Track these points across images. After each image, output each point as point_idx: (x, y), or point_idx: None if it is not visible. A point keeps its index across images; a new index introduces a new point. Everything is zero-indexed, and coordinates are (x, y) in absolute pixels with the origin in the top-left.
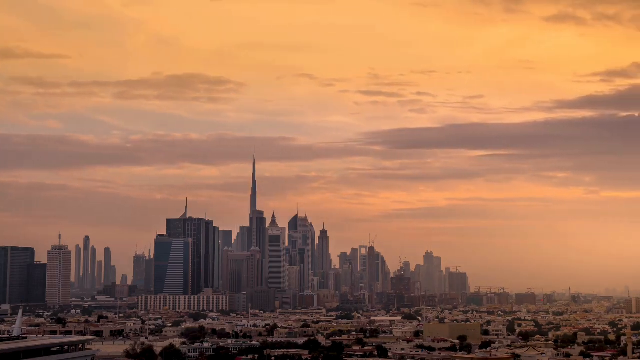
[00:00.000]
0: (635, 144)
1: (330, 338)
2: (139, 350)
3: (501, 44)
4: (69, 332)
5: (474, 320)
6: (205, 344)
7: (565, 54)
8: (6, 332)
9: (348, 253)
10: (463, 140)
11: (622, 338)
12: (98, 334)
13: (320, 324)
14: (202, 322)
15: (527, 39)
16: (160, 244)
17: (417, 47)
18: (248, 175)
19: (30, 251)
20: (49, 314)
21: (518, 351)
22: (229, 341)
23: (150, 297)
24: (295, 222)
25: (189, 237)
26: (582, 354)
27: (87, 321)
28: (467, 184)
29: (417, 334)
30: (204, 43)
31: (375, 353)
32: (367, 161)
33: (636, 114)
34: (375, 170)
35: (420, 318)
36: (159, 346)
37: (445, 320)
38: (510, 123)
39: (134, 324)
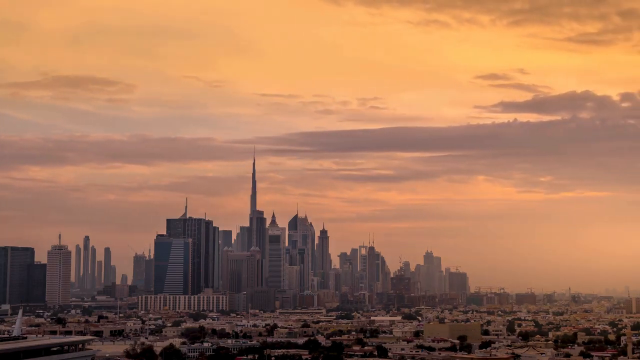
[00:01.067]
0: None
1: (330, 338)
2: (139, 350)
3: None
4: (69, 332)
5: (474, 320)
6: (205, 344)
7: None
8: (6, 332)
9: (348, 253)
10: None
11: (622, 338)
12: (98, 334)
13: (320, 324)
14: (202, 322)
15: None
16: (160, 244)
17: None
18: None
19: (30, 251)
20: (49, 314)
21: (518, 351)
22: (229, 341)
23: (150, 297)
24: (295, 222)
25: (189, 237)
26: (582, 354)
27: (87, 321)
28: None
29: (417, 334)
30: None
31: (375, 353)
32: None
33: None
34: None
35: (420, 318)
36: (159, 346)
37: (445, 320)
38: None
39: (134, 324)
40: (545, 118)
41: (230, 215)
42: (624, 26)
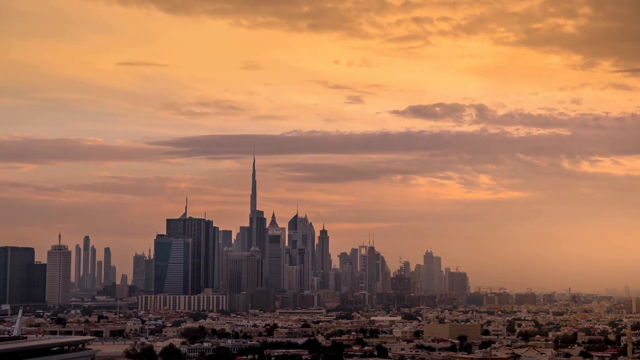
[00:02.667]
0: None
1: (330, 338)
2: (139, 350)
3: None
4: (68, 332)
5: (474, 320)
6: (205, 344)
7: None
8: (6, 332)
9: (348, 253)
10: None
11: (622, 338)
12: (98, 334)
13: (320, 324)
14: (202, 322)
15: None
16: (160, 244)
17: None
18: None
19: (30, 251)
20: (49, 314)
21: (518, 351)
22: (229, 341)
23: (150, 297)
24: (295, 222)
25: (189, 237)
26: (582, 354)
27: (87, 321)
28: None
29: (417, 334)
30: None
31: (375, 353)
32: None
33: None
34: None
35: (420, 318)
36: (159, 346)
37: (445, 320)
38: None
39: (134, 324)
40: None
41: (230, 216)
42: None
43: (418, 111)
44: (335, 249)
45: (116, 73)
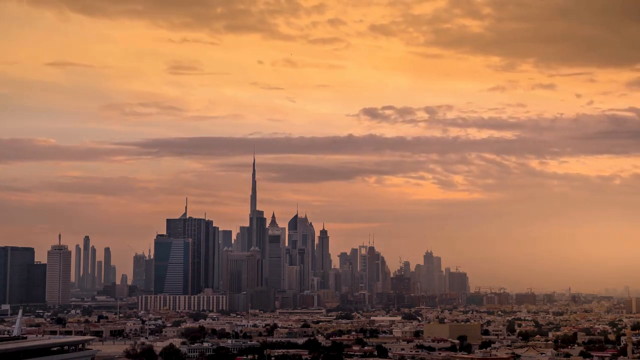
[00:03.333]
0: None
1: (330, 338)
2: (139, 350)
3: None
4: (68, 332)
5: (474, 320)
6: (205, 344)
7: None
8: (6, 332)
9: (348, 253)
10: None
11: (622, 338)
12: (98, 334)
13: (320, 324)
14: (202, 322)
15: None
16: (160, 244)
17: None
18: None
19: (30, 251)
20: (49, 314)
21: (518, 351)
22: (229, 341)
23: (150, 297)
24: (295, 222)
25: (189, 237)
26: (582, 354)
27: (87, 321)
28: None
29: (417, 334)
30: None
31: (375, 353)
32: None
33: None
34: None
35: (420, 318)
36: (159, 346)
37: (445, 320)
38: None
39: (134, 324)
40: None
41: (230, 216)
42: None
43: (371, 113)
44: (336, 249)
45: (45, 73)
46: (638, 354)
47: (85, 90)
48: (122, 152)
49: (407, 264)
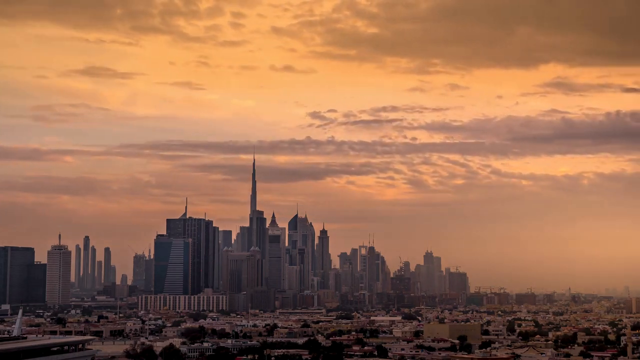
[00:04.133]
0: None
1: (330, 338)
2: (139, 350)
3: None
4: (69, 332)
5: (474, 320)
6: (205, 344)
7: None
8: (6, 332)
9: (348, 253)
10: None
11: (622, 338)
12: (98, 334)
13: (320, 324)
14: (202, 322)
15: None
16: (160, 244)
17: None
18: None
19: (30, 251)
20: (49, 314)
21: (518, 351)
22: (229, 341)
23: (150, 297)
24: (295, 222)
25: (189, 237)
26: (582, 354)
27: (87, 321)
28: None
29: (417, 334)
30: None
31: (375, 353)
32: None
33: None
34: None
35: (420, 318)
36: (159, 346)
37: (445, 320)
38: None
39: (134, 324)
40: None
41: (230, 216)
42: None
43: (317, 117)
44: (336, 249)
45: None
46: (638, 354)
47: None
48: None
49: (407, 264)
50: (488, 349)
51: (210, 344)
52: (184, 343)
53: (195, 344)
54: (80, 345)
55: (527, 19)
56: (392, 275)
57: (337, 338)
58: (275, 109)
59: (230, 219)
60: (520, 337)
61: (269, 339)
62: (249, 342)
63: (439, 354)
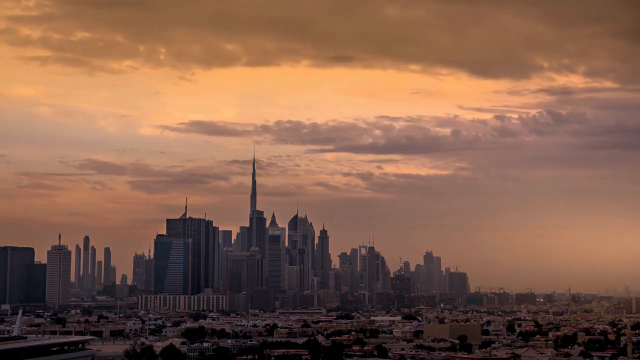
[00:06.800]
0: None
1: (330, 338)
2: (139, 350)
3: None
4: (68, 332)
5: (474, 320)
6: (205, 344)
7: None
8: (6, 332)
9: (348, 253)
10: None
11: (622, 338)
12: (98, 334)
13: (320, 324)
14: (202, 322)
15: None
16: (160, 244)
17: None
18: None
19: (30, 251)
20: (48, 314)
21: (518, 351)
22: (229, 341)
23: (150, 297)
24: (295, 222)
25: (189, 237)
26: (582, 354)
27: (87, 321)
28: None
29: (417, 334)
30: None
31: (375, 353)
32: None
33: None
34: None
35: (420, 318)
36: (159, 346)
37: (445, 320)
38: None
39: (134, 324)
40: None
41: (230, 216)
42: None
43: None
44: (336, 249)
45: None
46: (638, 354)
47: None
48: None
49: (407, 264)
50: (488, 349)
51: (210, 344)
52: (184, 343)
53: (195, 344)
54: (80, 345)
55: None
56: (392, 275)
57: (337, 338)
58: None
59: (230, 219)
60: (520, 337)
61: (269, 339)
62: (249, 342)
63: (439, 354)
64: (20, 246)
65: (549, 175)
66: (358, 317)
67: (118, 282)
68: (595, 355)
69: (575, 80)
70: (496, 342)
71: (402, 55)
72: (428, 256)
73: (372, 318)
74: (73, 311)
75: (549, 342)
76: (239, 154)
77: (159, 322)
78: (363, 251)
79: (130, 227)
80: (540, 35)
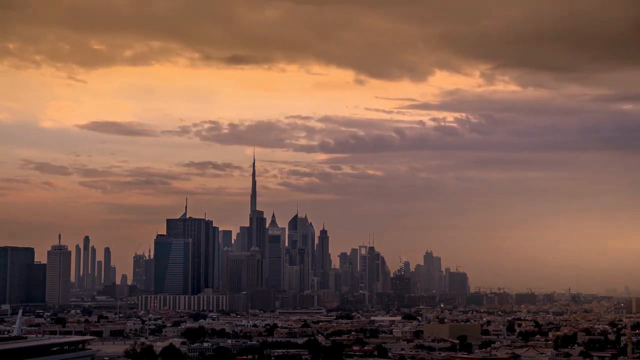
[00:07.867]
0: None
1: (330, 338)
2: (139, 350)
3: None
4: (68, 332)
5: (474, 320)
6: (205, 344)
7: None
8: (6, 332)
9: (348, 253)
10: None
11: (622, 338)
12: (98, 334)
13: (320, 324)
14: (202, 322)
15: None
16: (160, 244)
17: None
18: None
19: (30, 251)
20: (48, 314)
21: (518, 351)
22: (229, 341)
23: (150, 297)
24: (295, 222)
25: (189, 237)
26: (582, 354)
27: (87, 321)
28: None
29: (417, 334)
30: None
31: (375, 353)
32: None
33: None
34: None
35: (420, 318)
36: (159, 346)
37: (445, 320)
38: None
39: (134, 324)
40: None
41: (230, 216)
42: None
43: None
44: (336, 249)
45: None
46: (638, 354)
47: None
48: None
49: (407, 264)
50: (488, 349)
51: (210, 344)
52: (184, 343)
53: (195, 344)
54: (80, 345)
55: None
56: (392, 275)
57: (337, 338)
58: None
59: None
60: (520, 337)
61: (269, 339)
62: (248, 342)
63: (439, 354)
64: (20, 246)
65: (548, 176)
66: (358, 317)
67: (118, 282)
68: (595, 355)
69: None
70: (496, 342)
71: None
72: (428, 256)
73: (372, 318)
74: (73, 311)
75: (549, 342)
76: None
77: (159, 322)
78: (363, 251)
79: (130, 227)
80: None
